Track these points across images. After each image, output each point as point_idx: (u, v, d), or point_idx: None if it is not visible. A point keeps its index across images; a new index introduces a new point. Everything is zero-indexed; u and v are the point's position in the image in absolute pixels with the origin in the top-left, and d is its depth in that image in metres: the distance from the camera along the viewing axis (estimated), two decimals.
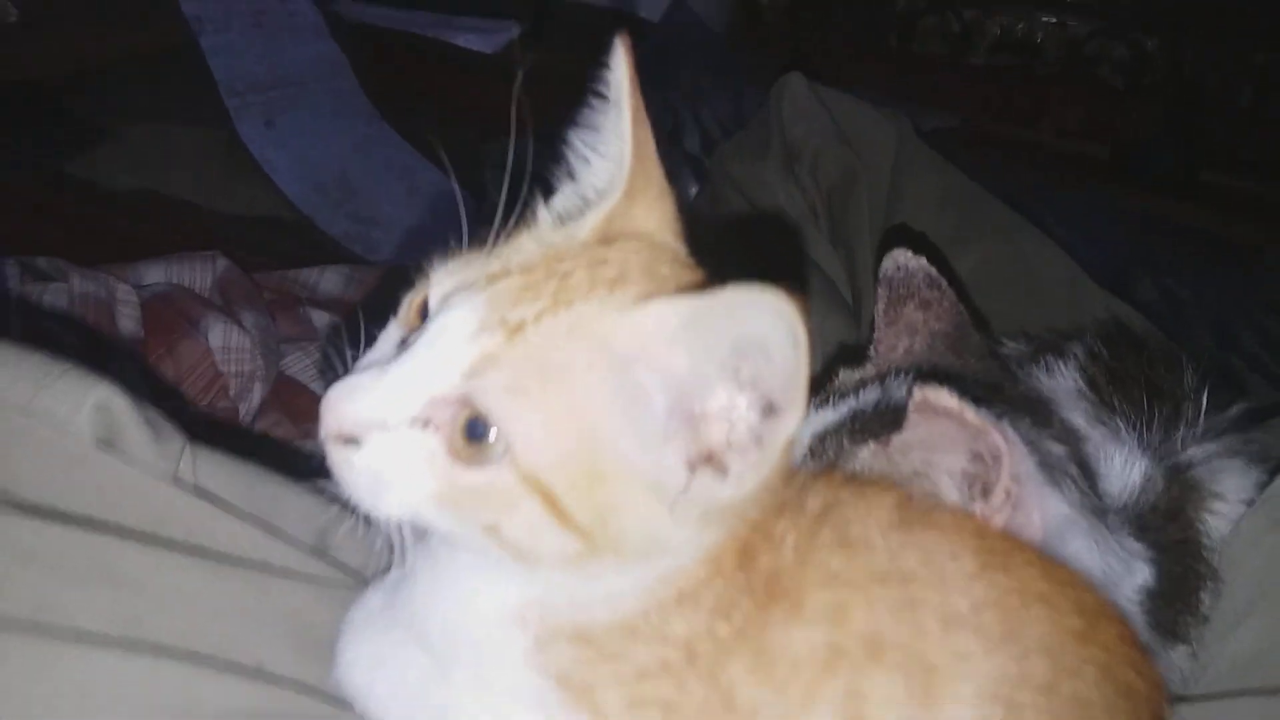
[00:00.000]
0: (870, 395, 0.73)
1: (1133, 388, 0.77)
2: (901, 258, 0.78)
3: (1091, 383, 0.78)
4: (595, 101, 0.56)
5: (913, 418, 0.62)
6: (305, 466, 0.62)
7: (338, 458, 0.50)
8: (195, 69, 1.74)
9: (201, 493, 0.63)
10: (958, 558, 0.54)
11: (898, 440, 0.65)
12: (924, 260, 0.78)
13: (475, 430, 0.48)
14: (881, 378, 0.74)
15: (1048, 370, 0.81)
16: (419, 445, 0.49)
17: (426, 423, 0.49)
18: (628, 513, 0.49)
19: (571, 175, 0.58)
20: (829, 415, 0.72)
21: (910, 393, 0.62)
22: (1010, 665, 0.52)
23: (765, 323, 0.45)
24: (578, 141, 0.57)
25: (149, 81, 1.77)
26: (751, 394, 0.47)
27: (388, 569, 0.59)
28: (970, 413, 0.59)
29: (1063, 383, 0.79)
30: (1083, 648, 0.55)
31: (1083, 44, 2.56)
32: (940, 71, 2.58)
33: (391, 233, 1.74)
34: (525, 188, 0.56)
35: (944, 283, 0.78)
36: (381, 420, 0.49)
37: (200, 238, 1.38)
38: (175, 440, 0.63)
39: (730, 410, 0.48)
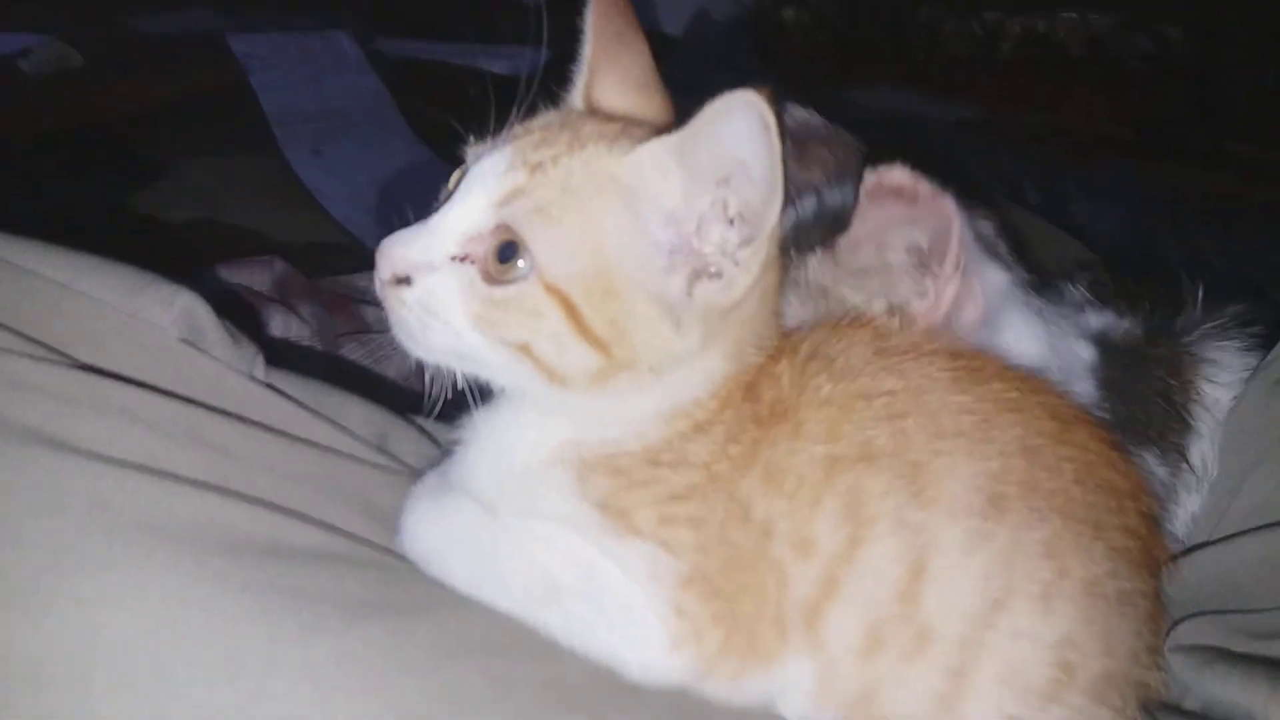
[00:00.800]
0: (808, 205, 0.76)
1: (1135, 295, 0.81)
2: (798, 112, 0.83)
3: (1097, 293, 0.81)
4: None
5: (863, 205, 0.66)
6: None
7: (392, 298, 0.58)
8: (247, 105, 1.84)
9: (274, 389, 0.72)
10: (933, 375, 0.61)
11: (844, 241, 0.69)
12: (813, 111, 0.83)
13: (505, 254, 0.56)
14: (816, 188, 0.77)
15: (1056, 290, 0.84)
16: (460, 275, 0.57)
17: (465, 257, 0.57)
18: (638, 324, 0.56)
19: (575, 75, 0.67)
20: None
21: (857, 189, 0.66)
22: (990, 463, 0.58)
23: (737, 120, 0.52)
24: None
25: (205, 119, 1.87)
26: (736, 198, 0.55)
27: (442, 458, 0.66)
28: (923, 183, 0.64)
29: (1071, 295, 0.82)
30: (1059, 448, 0.61)
31: (1104, 38, 2.59)
32: (964, 70, 2.61)
33: None
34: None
35: (840, 128, 0.83)
36: (427, 260, 0.57)
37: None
38: (250, 347, 0.72)
39: (720, 217, 0.55)
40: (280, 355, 0.77)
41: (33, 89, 1.70)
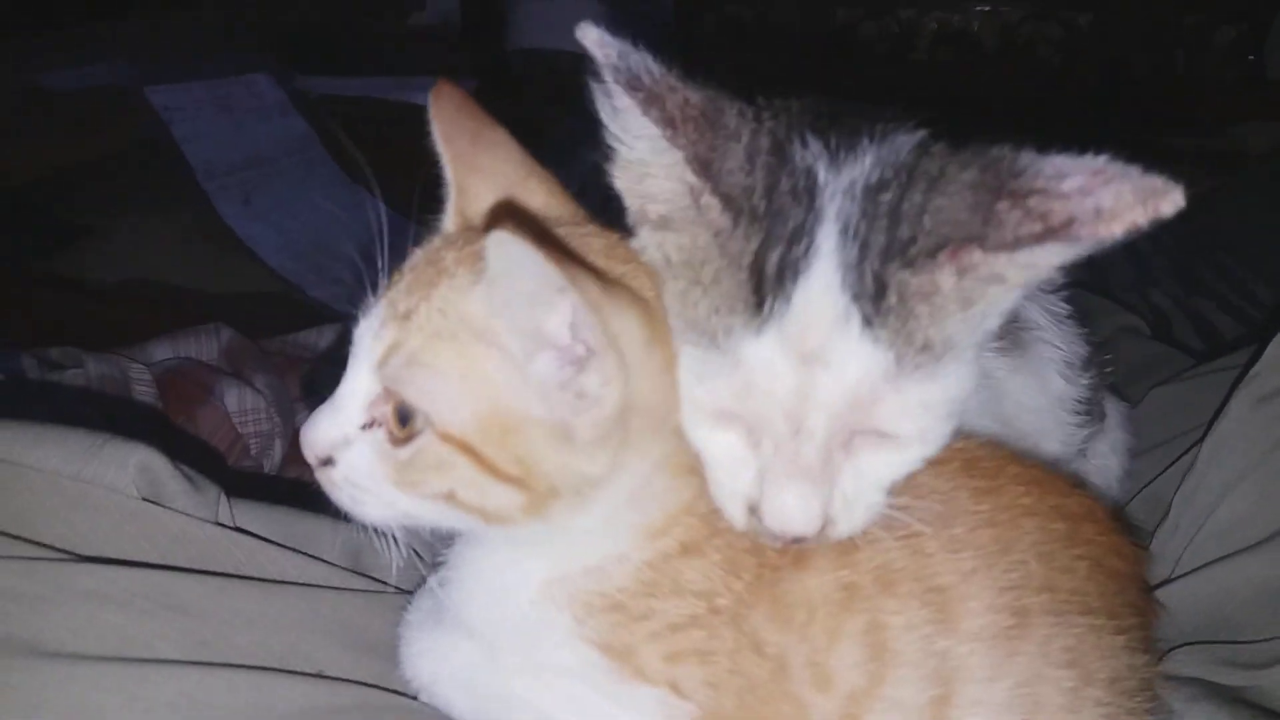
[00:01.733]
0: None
1: None
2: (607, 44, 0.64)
3: None
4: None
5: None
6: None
7: (324, 479, 0.58)
8: (169, 159, 1.79)
9: (242, 531, 0.70)
10: (950, 487, 0.59)
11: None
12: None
13: (403, 413, 0.55)
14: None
15: None
16: (371, 443, 0.56)
17: (371, 424, 0.56)
18: (541, 455, 0.54)
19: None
20: None
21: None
22: (1012, 574, 0.57)
23: (505, 258, 0.50)
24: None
25: (125, 176, 1.81)
26: (555, 317, 0.53)
27: (425, 577, 0.65)
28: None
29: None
30: (1071, 548, 0.60)
31: (1017, 27, 2.65)
32: (882, 69, 2.65)
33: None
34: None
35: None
36: (341, 436, 0.57)
37: (196, 318, 1.41)
38: (211, 489, 0.70)
39: (559, 337, 0.53)
40: (241, 483, 0.76)
41: None
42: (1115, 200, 0.53)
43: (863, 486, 0.57)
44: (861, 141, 0.58)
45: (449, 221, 0.63)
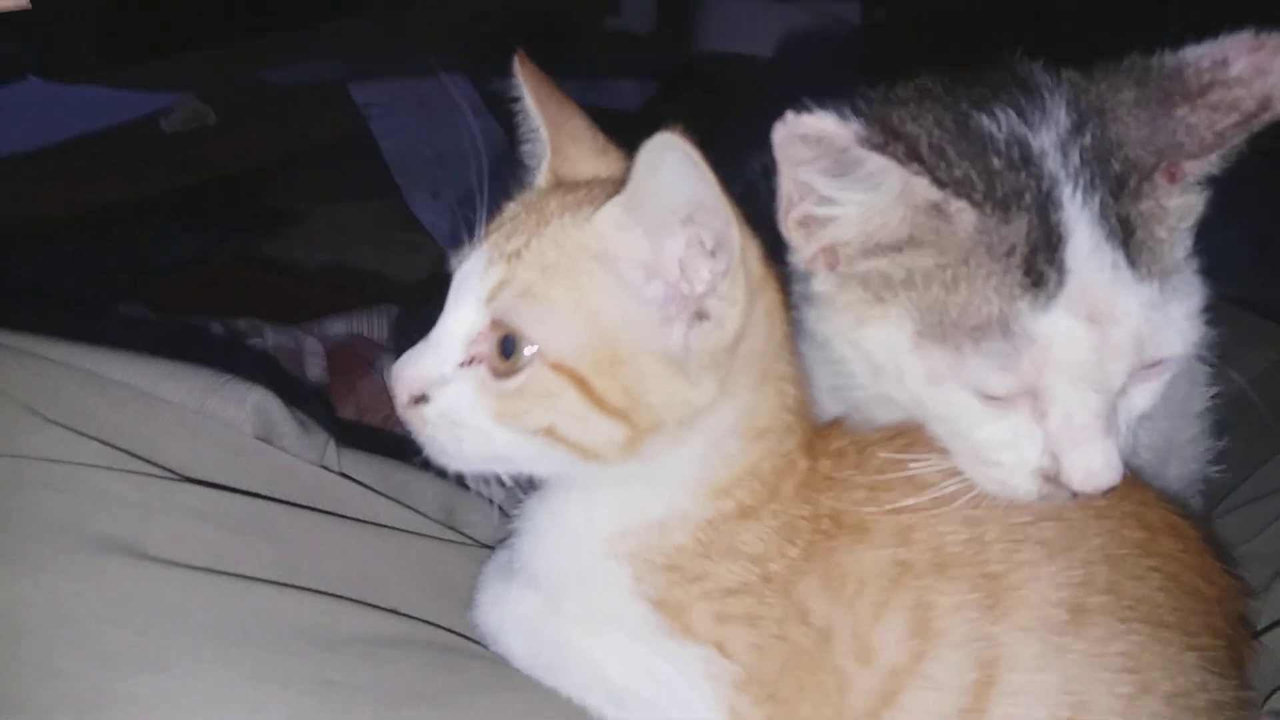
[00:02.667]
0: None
1: None
2: None
3: None
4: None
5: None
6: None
7: (415, 419, 0.59)
8: (371, 151, 1.90)
9: (345, 476, 0.76)
10: None
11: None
12: None
13: (508, 347, 0.57)
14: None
15: None
16: (471, 379, 0.58)
17: (472, 360, 0.58)
18: (650, 385, 0.56)
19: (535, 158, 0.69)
20: None
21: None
22: (1072, 572, 0.57)
23: (666, 163, 0.51)
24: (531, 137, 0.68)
25: (331, 167, 1.94)
26: (707, 231, 0.54)
27: (510, 534, 0.68)
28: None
29: None
30: (1146, 557, 0.59)
31: None
32: None
33: None
34: None
35: None
36: (439, 373, 0.58)
37: (376, 299, 1.51)
38: (320, 435, 0.76)
39: (701, 253, 0.55)
40: (352, 435, 0.81)
41: (171, 146, 1.79)
42: None
43: (1132, 419, 0.60)
44: (1038, 98, 0.60)
45: (542, 179, 0.67)
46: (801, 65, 2.14)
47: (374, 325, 1.29)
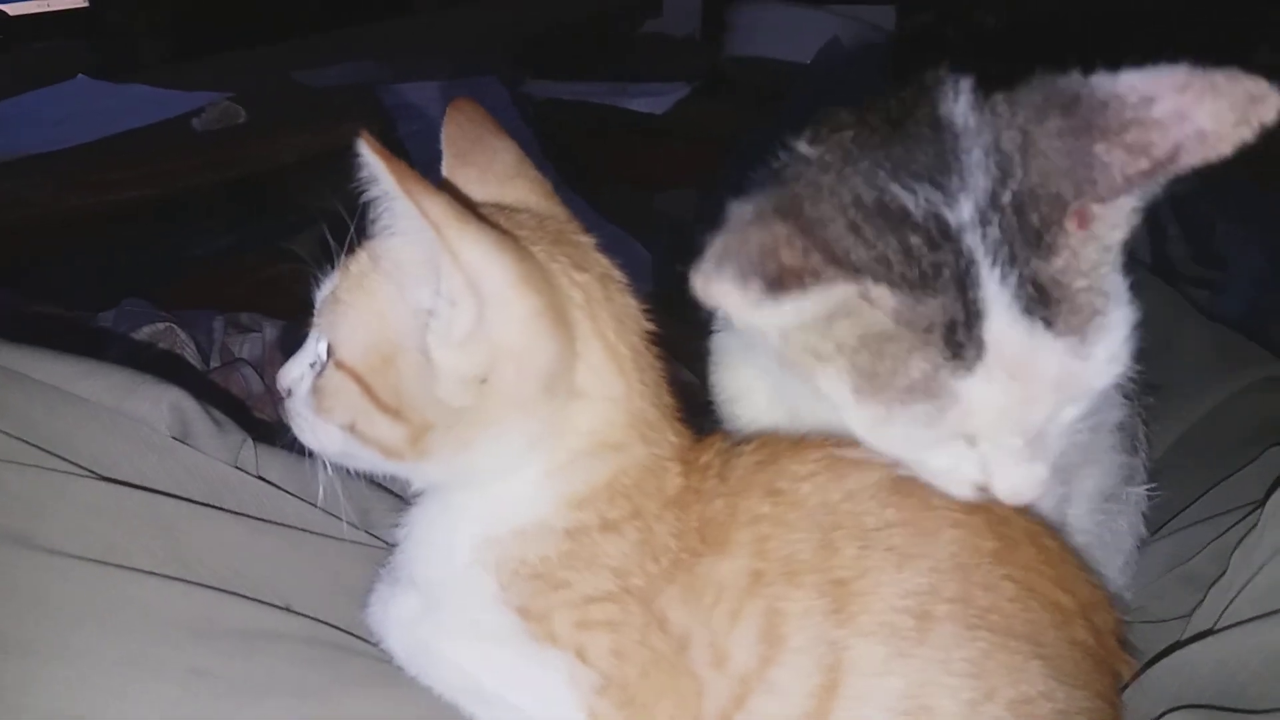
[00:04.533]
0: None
1: None
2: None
3: None
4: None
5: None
6: None
7: (284, 410, 0.65)
8: (401, 152, 1.92)
9: (260, 477, 0.78)
10: (871, 489, 0.61)
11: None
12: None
13: (330, 351, 0.62)
14: None
15: None
16: (308, 376, 0.63)
17: (314, 363, 0.63)
18: (410, 386, 0.59)
19: None
20: None
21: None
22: (920, 579, 0.58)
23: (367, 166, 0.57)
24: None
25: (358, 167, 1.96)
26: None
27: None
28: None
29: None
30: (998, 566, 0.59)
31: None
32: None
33: None
34: None
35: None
36: (298, 372, 0.64)
37: None
38: (236, 435, 0.79)
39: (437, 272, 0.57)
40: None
41: (203, 144, 1.82)
42: (1215, 120, 0.53)
43: (1063, 428, 0.62)
44: (957, 158, 0.59)
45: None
46: (831, 71, 2.13)
47: None
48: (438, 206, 0.55)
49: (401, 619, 0.66)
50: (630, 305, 0.65)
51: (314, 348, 0.64)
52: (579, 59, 2.61)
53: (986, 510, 0.62)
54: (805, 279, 0.56)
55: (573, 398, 0.61)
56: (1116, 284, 0.59)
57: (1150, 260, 1.45)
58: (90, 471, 0.70)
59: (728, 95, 2.21)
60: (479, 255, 0.56)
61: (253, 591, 0.69)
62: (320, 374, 0.62)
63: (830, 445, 0.64)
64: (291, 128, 1.84)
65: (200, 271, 1.71)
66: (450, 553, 0.63)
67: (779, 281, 0.55)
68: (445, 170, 0.69)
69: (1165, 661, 0.74)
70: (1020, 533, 0.62)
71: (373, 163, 0.56)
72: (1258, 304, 1.36)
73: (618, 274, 0.66)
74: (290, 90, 2.10)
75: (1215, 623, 0.74)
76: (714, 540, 0.60)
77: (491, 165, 0.69)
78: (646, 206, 1.87)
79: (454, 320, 0.57)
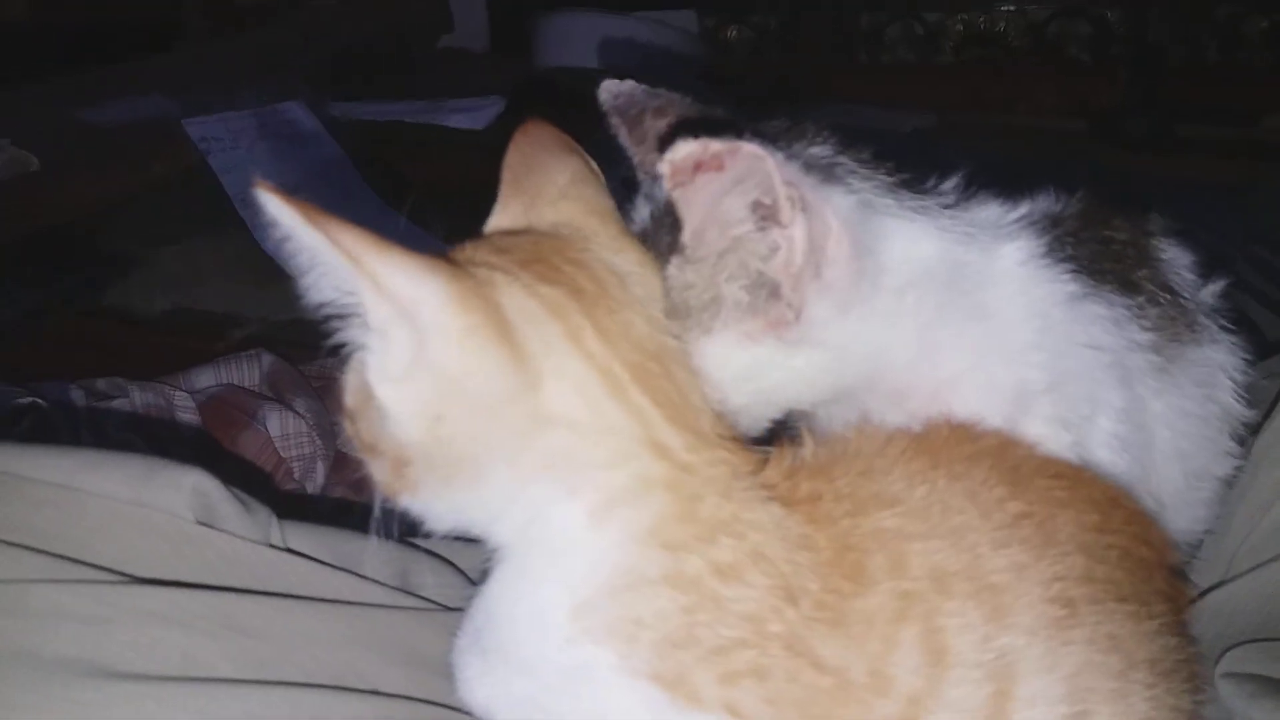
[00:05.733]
0: (642, 211, 0.71)
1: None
2: (612, 85, 0.77)
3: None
4: None
5: (676, 196, 0.61)
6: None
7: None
8: (209, 188, 1.83)
9: (294, 552, 0.72)
10: (986, 483, 0.60)
11: (687, 234, 0.63)
12: (631, 81, 0.78)
13: None
14: (639, 188, 0.72)
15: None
16: None
17: None
18: (367, 413, 0.55)
19: None
20: None
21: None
22: (1056, 566, 0.58)
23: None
24: None
25: (169, 207, 1.86)
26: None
27: (468, 594, 0.64)
28: (713, 143, 0.57)
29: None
30: (1103, 536, 0.61)
31: (1044, 26, 2.63)
32: (911, 76, 2.65)
33: None
34: None
35: (661, 90, 0.77)
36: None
37: (239, 345, 1.45)
38: (262, 511, 0.72)
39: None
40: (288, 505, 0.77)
41: None
42: None
43: None
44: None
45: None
46: (638, 72, 2.16)
47: (244, 372, 1.24)
48: (349, 238, 0.51)
49: (514, 698, 0.58)
50: (637, 322, 0.58)
51: None
52: (383, 78, 2.56)
53: (1076, 480, 0.63)
54: None
55: (546, 423, 0.54)
56: None
57: None
58: (124, 574, 0.63)
59: (545, 107, 2.20)
60: (405, 281, 0.51)
61: (338, 680, 0.64)
62: None
63: (905, 438, 0.62)
64: (93, 172, 1.72)
65: (7, 337, 1.58)
66: (544, 631, 0.56)
67: None
68: (499, 202, 0.65)
69: (1202, 604, 0.75)
70: (1107, 499, 0.63)
71: (273, 205, 0.51)
72: None
73: (630, 291, 0.59)
74: (80, 131, 1.96)
75: (1228, 569, 0.77)
76: (853, 572, 0.56)
77: (542, 190, 0.64)
78: (465, 221, 1.85)
79: (388, 353, 0.52)
